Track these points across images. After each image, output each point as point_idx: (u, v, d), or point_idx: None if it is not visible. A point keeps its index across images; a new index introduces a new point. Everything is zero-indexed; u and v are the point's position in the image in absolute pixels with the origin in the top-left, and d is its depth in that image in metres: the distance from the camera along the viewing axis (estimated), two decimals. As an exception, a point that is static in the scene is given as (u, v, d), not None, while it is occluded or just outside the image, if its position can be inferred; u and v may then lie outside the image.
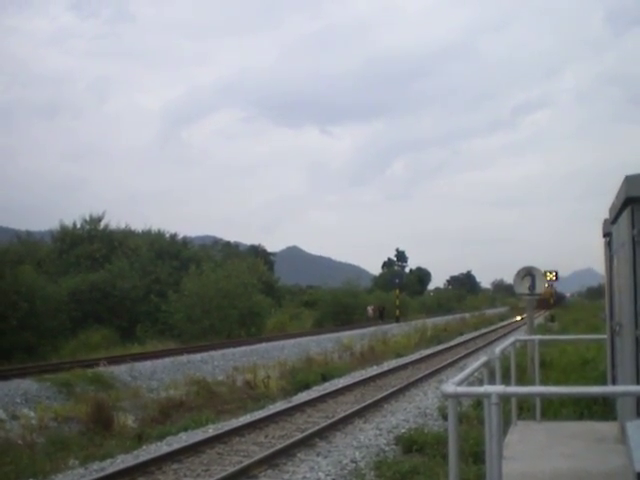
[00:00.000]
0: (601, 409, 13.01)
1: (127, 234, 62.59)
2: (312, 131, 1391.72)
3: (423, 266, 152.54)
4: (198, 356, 30.58)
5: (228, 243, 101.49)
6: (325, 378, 24.28)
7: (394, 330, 50.53)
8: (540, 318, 61.00)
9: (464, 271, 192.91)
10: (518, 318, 73.36)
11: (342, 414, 16.56)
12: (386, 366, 28.29)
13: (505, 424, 10.80)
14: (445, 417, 14.15)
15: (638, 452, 5.61)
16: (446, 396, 5.82)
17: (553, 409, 13.09)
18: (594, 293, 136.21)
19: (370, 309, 69.50)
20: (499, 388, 5.86)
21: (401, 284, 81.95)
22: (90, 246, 57.74)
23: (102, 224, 61.95)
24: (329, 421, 15.68)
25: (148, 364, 27.10)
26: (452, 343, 41.02)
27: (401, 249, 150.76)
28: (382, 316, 69.01)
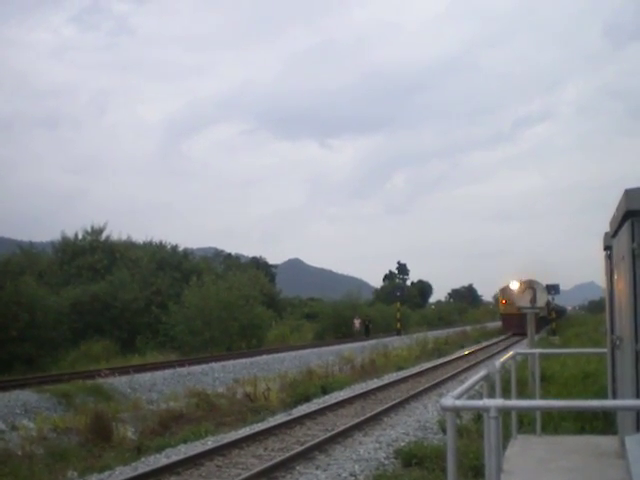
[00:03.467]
0: (602, 423, 12.96)
1: (128, 245, 62.65)
2: (312, 144, 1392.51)
3: (425, 279, 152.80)
4: (198, 368, 30.54)
5: (229, 255, 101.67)
6: (325, 391, 24.21)
7: (395, 343, 50.46)
8: (539, 333, 60.52)
9: (466, 284, 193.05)
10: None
11: (342, 427, 16.49)
12: (387, 379, 28.21)
13: (505, 438, 10.76)
14: (445, 430, 14.13)
15: (637, 467, 5.59)
16: (445, 409, 5.79)
17: (553, 423, 13.05)
18: (596, 307, 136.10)
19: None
20: (498, 401, 5.84)
21: (402, 297, 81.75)
22: (91, 257, 57.83)
23: (103, 235, 62.14)
24: (329, 434, 15.63)
25: (148, 376, 27.06)
26: (453, 356, 40.93)
27: (402, 262, 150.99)
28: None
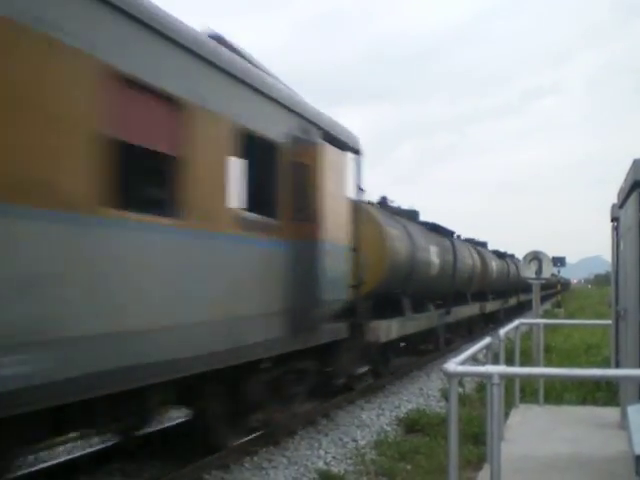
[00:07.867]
0: (604, 395, 12.99)
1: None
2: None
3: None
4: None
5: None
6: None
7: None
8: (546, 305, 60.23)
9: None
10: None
11: (345, 393, 16.50)
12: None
13: (508, 407, 10.81)
14: (447, 398, 14.16)
15: (638, 435, 5.60)
16: (447, 375, 5.82)
17: (556, 393, 13.08)
18: (601, 280, 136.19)
19: None
20: (500, 368, 5.86)
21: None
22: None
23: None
24: (331, 400, 15.63)
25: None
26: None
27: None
28: None
